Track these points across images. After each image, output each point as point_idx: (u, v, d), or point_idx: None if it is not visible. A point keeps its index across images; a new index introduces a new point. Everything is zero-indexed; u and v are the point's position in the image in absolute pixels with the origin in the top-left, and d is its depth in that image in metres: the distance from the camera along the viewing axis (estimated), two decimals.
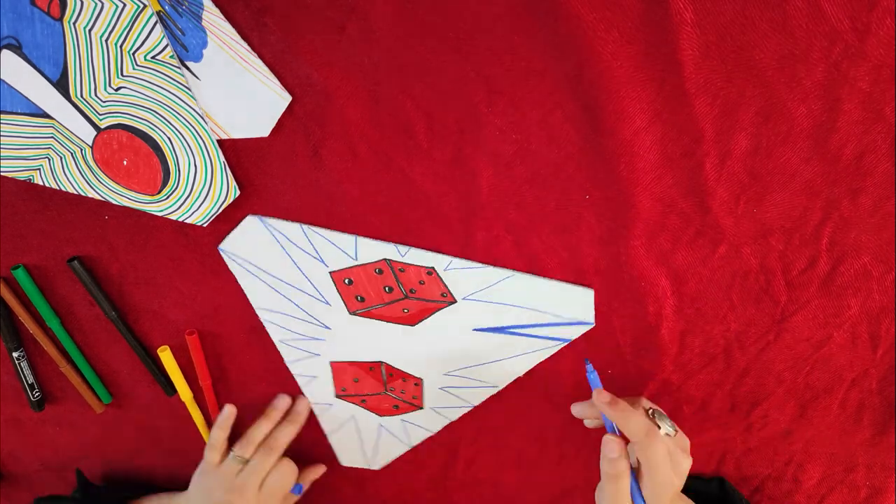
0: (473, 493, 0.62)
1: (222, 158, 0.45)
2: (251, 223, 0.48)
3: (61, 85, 0.43)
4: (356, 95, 0.42)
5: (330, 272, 0.50)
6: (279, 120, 0.43)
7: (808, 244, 0.42)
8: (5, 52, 0.42)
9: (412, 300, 0.50)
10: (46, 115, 0.45)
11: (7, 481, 0.74)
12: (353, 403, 0.58)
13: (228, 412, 0.57)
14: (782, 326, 0.46)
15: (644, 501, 0.42)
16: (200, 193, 0.46)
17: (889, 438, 0.49)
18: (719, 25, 0.36)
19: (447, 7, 0.38)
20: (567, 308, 0.48)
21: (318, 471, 0.61)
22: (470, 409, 0.56)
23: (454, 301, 0.49)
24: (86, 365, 0.60)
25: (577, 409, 0.49)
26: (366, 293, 0.50)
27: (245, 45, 0.41)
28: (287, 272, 0.50)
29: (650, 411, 0.44)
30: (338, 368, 0.56)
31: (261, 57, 0.41)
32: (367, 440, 0.61)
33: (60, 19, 0.41)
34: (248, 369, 0.58)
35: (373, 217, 0.46)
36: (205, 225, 0.48)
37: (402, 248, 0.47)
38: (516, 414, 0.55)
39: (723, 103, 0.38)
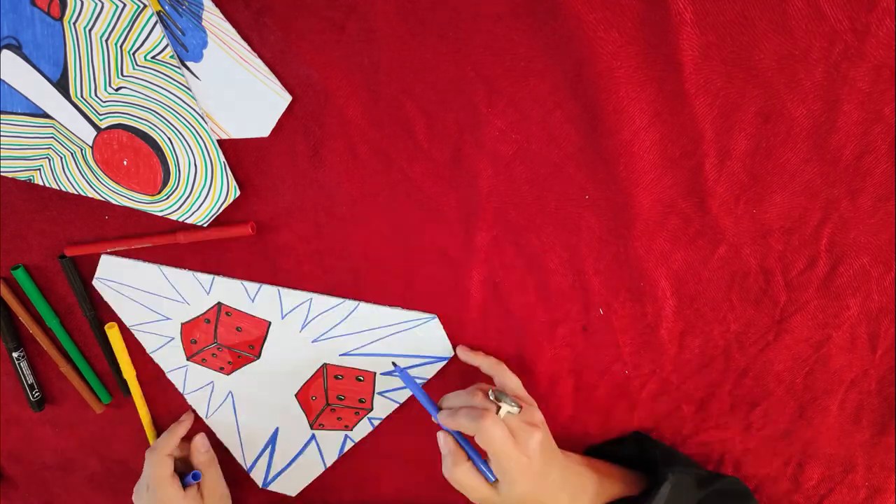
0: None
1: (222, 158, 0.45)
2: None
3: (61, 85, 0.43)
4: (356, 95, 0.42)
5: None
6: (279, 120, 0.43)
7: (808, 245, 0.42)
8: (5, 52, 0.42)
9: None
10: (46, 115, 0.45)
11: (7, 481, 0.74)
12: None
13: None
14: (781, 327, 0.46)
15: (495, 477, 0.43)
16: (200, 193, 0.46)
17: (888, 439, 0.49)
18: (719, 25, 0.36)
19: (447, 7, 0.38)
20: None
21: (184, 426, 0.60)
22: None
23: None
24: (86, 365, 0.60)
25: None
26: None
27: (245, 45, 0.41)
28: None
29: (490, 394, 0.44)
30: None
31: (261, 57, 0.41)
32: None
33: (60, 19, 0.41)
34: None
35: (373, 217, 0.46)
36: (205, 225, 0.48)
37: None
38: None
39: (723, 103, 0.38)
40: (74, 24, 0.41)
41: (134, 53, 0.42)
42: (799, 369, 0.47)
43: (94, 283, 0.55)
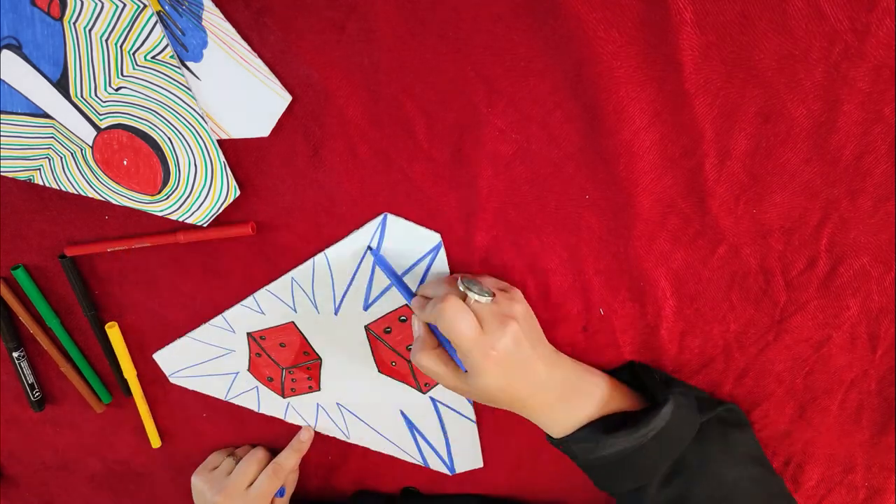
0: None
1: (222, 158, 0.45)
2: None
3: (61, 85, 0.43)
4: (356, 95, 0.42)
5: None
6: (279, 120, 0.43)
7: (808, 245, 0.42)
8: (5, 52, 0.42)
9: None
10: (46, 115, 0.45)
11: (7, 481, 0.74)
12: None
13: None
14: (781, 327, 0.46)
15: (462, 365, 0.42)
16: (200, 193, 0.46)
17: (888, 439, 0.49)
18: (719, 25, 0.36)
19: (447, 7, 0.38)
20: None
21: (307, 445, 0.62)
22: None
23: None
24: (86, 365, 0.60)
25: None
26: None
27: (245, 45, 0.41)
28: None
29: (459, 282, 0.41)
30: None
31: (261, 57, 0.41)
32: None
33: (60, 19, 0.41)
34: None
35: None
36: (205, 225, 0.48)
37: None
38: (513, 415, 0.55)
39: (723, 103, 0.38)
40: (74, 24, 0.41)
41: (134, 53, 0.42)
42: (799, 369, 0.47)
43: (171, 379, 0.58)
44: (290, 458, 0.59)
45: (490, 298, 0.41)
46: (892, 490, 0.52)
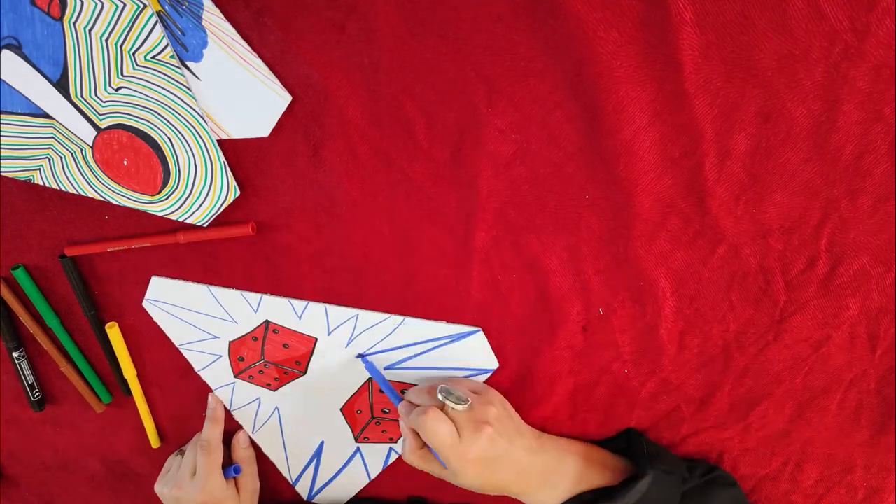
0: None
1: (222, 158, 0.45)
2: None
3: (61, 85, 0.43)
4: (356, 95, 0.42)
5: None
6: (279, 120, 0.43)
7: (808, 245, 0.42)
8: (5, 52, 0.42)
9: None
10: (46, 115, 0.45)
11: (7, 481, 0.74)
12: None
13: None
14: (781, 327, 0.46)
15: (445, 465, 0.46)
16: (200, 193, 0.46)
17: (887, 439, 0.49)
18: (719, 25, 0.36)
19: (447, 7, 0.38)
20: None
21: (220, 414, 0.60)
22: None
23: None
24: (86, 365, 0.60)
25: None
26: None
27: (245, 45, 0.41)
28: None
29: (438, 391, 0.46)
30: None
31: (261, 57, 0.41)
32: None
33: (60, 19, 0.41)
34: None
35: (372, 217, 0.46)
36: (205, 225, 0.48)
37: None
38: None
39: (723, 103, 0.38)
40: (74, 24, 0.41)
41: (134, 53, 0.42)
42: (798, 369, 0.47)
43: (144, 304, 0.55)
44: (210, 431, 0.58)
45: (466, 406, 0.45)
46: (891, 490, 0.52)
